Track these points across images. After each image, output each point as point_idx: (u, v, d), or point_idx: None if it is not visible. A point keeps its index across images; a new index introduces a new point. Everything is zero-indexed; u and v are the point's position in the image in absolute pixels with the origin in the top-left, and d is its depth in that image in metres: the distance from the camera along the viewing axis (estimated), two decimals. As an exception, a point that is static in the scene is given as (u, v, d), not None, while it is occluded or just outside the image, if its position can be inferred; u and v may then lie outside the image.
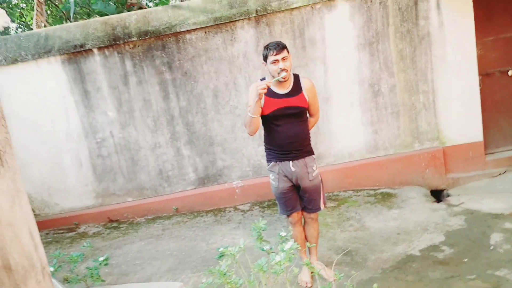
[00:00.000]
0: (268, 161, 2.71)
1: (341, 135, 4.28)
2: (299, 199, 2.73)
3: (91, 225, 4.33)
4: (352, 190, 4.24)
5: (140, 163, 4.39)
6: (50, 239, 4.10)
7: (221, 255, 2.14)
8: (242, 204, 4.31)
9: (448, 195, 4.13)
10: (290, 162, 2.60)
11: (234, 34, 4.14)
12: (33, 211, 4.40)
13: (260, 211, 4.11)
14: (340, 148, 4.31)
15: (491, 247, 2.85)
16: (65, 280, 2.66)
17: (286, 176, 2.63)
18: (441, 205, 3.75)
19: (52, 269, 2.54)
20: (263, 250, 2.05)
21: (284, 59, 2.45)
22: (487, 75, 4.25)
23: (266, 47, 2.49)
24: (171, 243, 3.65)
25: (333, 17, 4.07)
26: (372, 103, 4.21)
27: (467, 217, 3.38)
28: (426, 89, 4.15)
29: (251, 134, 2.59)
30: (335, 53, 4.14)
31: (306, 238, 2.83)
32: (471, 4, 3.97)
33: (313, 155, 2.69)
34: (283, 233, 2.07)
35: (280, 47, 2.45)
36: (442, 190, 4.24)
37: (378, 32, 4.09)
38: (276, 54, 2.44)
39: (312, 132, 4.19)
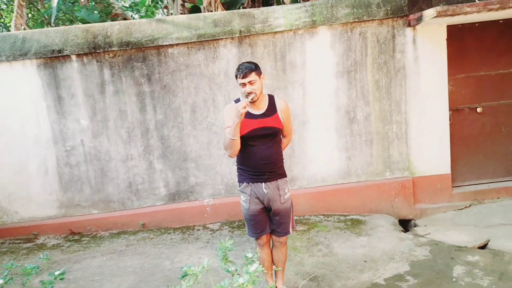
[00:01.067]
0: (240, 181, 2.68)
1: (315, 159, 4.32)
2: (269, 222, 2.70)
3: (51, 236, 4.13)
4: (323, 214, 4.25)
5: (109, 175, 4.26)
6: (5, 249, 3.87)
7: (184, 275, 2.08)
8: (212, 223, 4.24)
9: (415, 225, 4.20)
10: (263, 183, 2.59)
11: (217, 52, 4.17)
12: (-10, 218, 4.18)
13: (229, 231, 4.04)
14: (314, 172, 4.33)
15: (454, 279, 2.89)
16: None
17: (257, 198, 2.61)
18: (408, 235, 3.80)
19: (1, 281, 2.39)
20: (227, 271, 2.00)
21: (251, 83, 2.48)
22: (457, 111, 4.43)
23: (238, 68, 2.51)
24: (134, 260, 3.51)
25: (315, 43, 4.17)
26: (348, 130, 4.29)
27: (432, 248, 3.43)
28: (399, 119, 4.27)
29: (232, 157, 2.57)
30: (315, 78, 4.22)
31: (273, 261, 2.79)
32: (445, 41, 4.17)
33: (285, 178, 2.70)
34: (249, 255, 2.03)
35: (248, 70, 2.47)
36: (410, 220, 4.31)
37: (356, 61, 4.21)
38: (243, 78, 2.47)
39: (287, 154, 4.27)
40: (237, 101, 2.64)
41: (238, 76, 2.49)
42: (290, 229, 2.72)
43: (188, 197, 4.33)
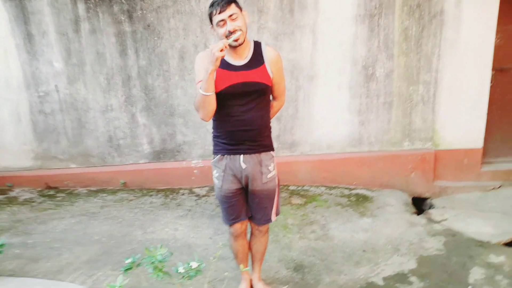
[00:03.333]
0: (214, 153, 2.12)
1: (322, 122, 3.68)
2: (246, 206, 2.17)
3: (26, 189, 3.82)
4: (326, 186, 3.71)
5: (87, 126, 3.80)
6: (-26, 201, 3.60)
7: (128, 268, 1.65)
8: (199, 187, 3.79)
9: (431, 206, 3.61)
10: (241, 156, 2.02)
11: (210, -14, 3.41)
12: (-39, 166, 3.88)
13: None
14: (319, 137, 3.72)
15: (469, 287, 2.37)
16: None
17: (234, 175, 2.06)
18: (421, 219, 3.24)
19: None
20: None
21: (233, 18, 1.82)
22: (501, 71, 3.61)
23: (211, 4, 1.85)
24: (104, 226, 3.15)
25: (331, -22, 3.34)
26: (363, 89, 3.58)
27: (447, 240, 2.88)
28: (428, 79, 3.51)
29: (206, 119, 1.96)
30: (328, 22, 3.45)
31: (250, 251, 2.32)
32: (499, -19, 3.25)
33: (272, 151, 2.11)
34: (194, 264, 1.55)
35: (226, 1, 1.82)
36: (425, 199, 3.72)
37: (382, 2, 3.38)
38: (220, 12, 1.81)
39: (290, 114, 3.64)
40: None
41: (214, 12, 1.82)
42: (273, 216, 2.19)
43: (175, 157, 3.85)
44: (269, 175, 2.08)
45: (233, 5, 1.83)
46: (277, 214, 2.20)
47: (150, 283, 2.29)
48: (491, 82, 3.55)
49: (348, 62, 3.53)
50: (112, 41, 3.59)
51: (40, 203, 3.57)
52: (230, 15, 1.81)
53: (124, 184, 3.85)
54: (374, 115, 3.63)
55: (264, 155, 2.06)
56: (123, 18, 3.54)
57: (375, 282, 2.46)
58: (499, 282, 2.38)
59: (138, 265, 1.60)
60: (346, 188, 3.68)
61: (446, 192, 3.68)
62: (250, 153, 2.02)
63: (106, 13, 3.52)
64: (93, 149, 3.86)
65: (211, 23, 1.88)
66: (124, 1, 3.49)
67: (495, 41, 3.42)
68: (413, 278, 2.48)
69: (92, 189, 3.82)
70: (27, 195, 3.71)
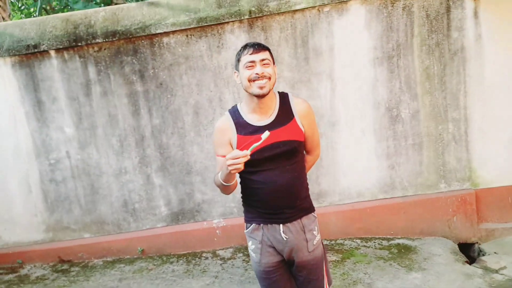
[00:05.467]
0: (247, 221, 1.85)
1: (349, 169, 3.46)
2: (291, 280, 1.87)
3: (38, 265, 3.54)
4: (361, 238, 3.41)
5: (101, 192, 3.59)
6: (-19, 284, 3.31)
7: None
8: (223, 249, 3.50)
9: (480, 251, 3.28)
10: (281, 226, 1.75)
11: (222, 40, 3.37)
12: (-33, 245, 3.63)
13: (243, 260, 3.29)
14: (347, 185, 3.48)
15: None
16: None
17: (273, 247, 1.79)
18: (475, 269, 2.91)
19: None
20: None
21: (264, 63, 1.64)
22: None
23: (243, 46, 1.69)
24: (124, 304, 2.84)
25: (345, 23, 3.28)
26: (389, 131, 3.40)
27: (513, 293, 2.54)
28: (457, 116, 3.33)
29: (227, 194, 1.83)
30: (346, 67, 3.35)
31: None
32: (519, 13, 3.18)
33: (313, 213, 1.84)
34: None
35: (261, 46, 1.67)
36: (472, 244, 3.39)
37: (399, 44, 3.29)
38: (253, 53, 1.63)
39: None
40: (233, 111, 1.79)
41: (244, 53, 1.65)
42: (326, 287, 1.89)
43: (194, 217, 3.60)
44: (315, 241, 1.80)
45: (267, 52, 1.68)
46: (329, 284, 1.91)
47: None
48: (524, 114, 3.37)
49: (370, 105, 3.38)
50: (124, 102, 3.49)
51: (53, 280, 3.27)
52: (262, 59, 1.64)
53: (142, 251, 3.57)
54: (404, 157, 3.42)
55: (305, 220, 1.79)
56: (134, 78, 3.46)
57: None
58: None
59: None
60: (383, 239, 3.38)
61: (493, 235, 3.36)
62: (290, 221, 1.76)
63: (118, 74, 3.45)
64: (107, 215, 3.62)
65: (237, 67, 1.71)
66: (135, 61, 3.43)
67: (522, 73, 3.29)
68: None
69: (108, 259, 3.53)
70: (39, 272, 3.42)
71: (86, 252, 3.60)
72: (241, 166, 1.52)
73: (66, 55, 3.45)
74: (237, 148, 1.69)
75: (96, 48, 3.42)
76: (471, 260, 3.16)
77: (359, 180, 3.47)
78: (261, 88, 1.63)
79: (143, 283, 3.09)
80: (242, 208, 1.90)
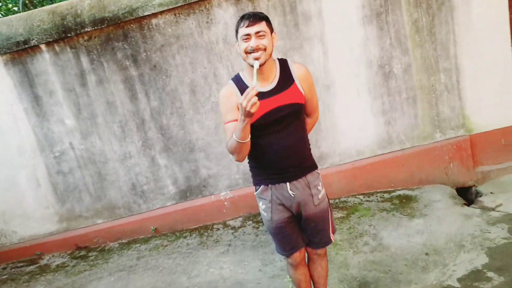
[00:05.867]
0: (256, 184, 1.96)
1: (347, 129, 3.55)
2: (301, 232, 2.01)
3: (56, 254, 3.66)
4: (363, 194, 3.54)
5: (108, 178, 3.68)
6: (5, 276, 3.44)
7: None
8: (232, 219, 3.63)
9: (478, 193, 3.43)
10: (287, 184, 1.86)
11: (210, 15, 3.39)
12: (-14, 242, 3.74)
13: (253, 227, 3.42)
14: (346, 145, 3.59)
15: (556, 272, 2.16)
16: None
17: (282, 204, 1.90)
18: (474, 209, 3.05)
19: None
20: None
21: (260, 36, 1.68)
22: (520, 45, 3.50)
23: (241, 17, 1.73)
24: (146, 278, 2.97)
25: (329, -15, 3.31)
26: (383, 88, 3.48)
27: (511, 226, 2.68)
28: (448, 66, 3.41)
29: (241, 161, 1.83)
30: (336, 29, 3.39)
31: (312, 278, 2.13)
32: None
33: (316, 170, 1.96)
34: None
35: (257, 17, 1.69)
36: (470, 187, 3.54)
37: None
38: (248, 26, 1.68)
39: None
40: (236, 79, 1.85)
41: (241, 25, 1.70)
42: (331, 236, 2.02)
43: (202, 192, 3.71)
44: (320, 195, 1.93)
45: (263, 23, 1.70)
46: (334, 232, 2.04)
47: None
48: None
49: (362, 64, 3.44)
50: (120, 87, 3.54)
51: (73, 266, 3.40)
52: (257, 32, 1.68)
53: (155, 230, 3.69)
54: (399, 112, 3.51)
55: (310, 176, 1.90)
56: (128, 63, 3.49)
57: (451, 285, 2.25)
58: None
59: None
60: (385, 192, 3.51)
61: (490, 177, 3.50)
62: (296, 179, 1.87)
63: (111, 61, 3.48)
64: (118, 200, 3.73)
65: (236, 37, 1.77)
66: (126, 46, 3.46)
67: (510, 17, 3.34)
68: (490, 274, 2.28)
69: (123, 241, 3.66)
70: (59, 260, 3.55)
71: (101, 237, 3.72)
72: (257, 100, 1.56)
73: (57, 47, 3.47)
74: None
75: (86, 37, 3.44)
76: (469, 202, 3.30)
77: (358, 139, 3.57)
78: (256, 59, 1.68)
79: (161, 259, 3.23)
80: (248, 179, 1.99)
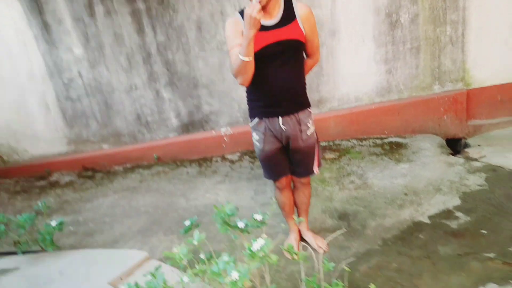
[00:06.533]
0: (251, 116, 2.11)
1: (348, 76, 3.63)
2: (289, 162, 2.19)
3: (65, 173, 3.95)
4: (357, 138, 3.70)
5: (114, 107, 3.86)
6: (18, 189, 3.76)
7: (188, 229, 1.71)
8: (230, 154, 3.84)
9: (466, 145, 3.57)
10: (280, 118, 2.02)
11: None
12: (1, 157, 4.03)
13: (250, 162, 3.64)
14: (346, 91, 3.68)
15: (518, 215, 2.36)
16: (16, 244, 2.31)
17: (274, 136, 2.07)
18: (458, 159, 3.21)
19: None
20: (235, 237, 1.61)
21: None
22: (532, 0, 3.43)
23: None
24: (147, 198, 3.26)
25: None
26: (388, 37, 3.49)
27: (488, 175, 2.85)
28: (456, 18, 3.39)
29: (246, 84, 1.94)
30: (344, -28, 3.34)
31: (295, 204, 2.36)
32: None
33: (308, 108, 2.09)
34: (258, 216, 1.59)
35: None
36: (460, 139, 3.67)
37: None
38: None
39: (314, 72, 3.60)
40: (242, 12, 1.92)
41: None
42: (315, 169, 2.20)
43: (203, 127, 3.89)
44: (309, 132, 2.08)
45: None
46: (319, 166, 2.22)
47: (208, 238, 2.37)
48: (520, 13, 3.40)
49: (370, 11, 3.43)
50: (128, 20, 3.59)
51: (81, 184, 3.70)
52: None
53: (158, 158, 3.94)
54: (401, 62, 3.55)
55: (301, 114, 2.04)
56: (136, -5, 3.51)
57: (421, 220, 2.48)
58: (549, 208, 2.37)
59: (197, 226, 1.66)
60: (378, 138, 3.66)
61: (480, 131, 3.62)
62: (288, 114, 2.01)
63: (119, -9, 3.50)
64: (123, 128, 3.94)
65: None
66: (135, -23, 3.45)
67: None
68: (459, 214, 2.49)
69: (127, 166, 3.93)
70: (67, 178, 3.85)
71: (107, 161, 3.99)
72: (260, 7, 1.69)
73: (65, -27, 3.48)
74: None
75: (94, -36, 3.43)
76: (456, 153, 3.45)
77: (358, 86, 3.66)
78: (259, 2, 1.74)
79: (162, 183, 3.50)
80: (248, 117, 2.13)
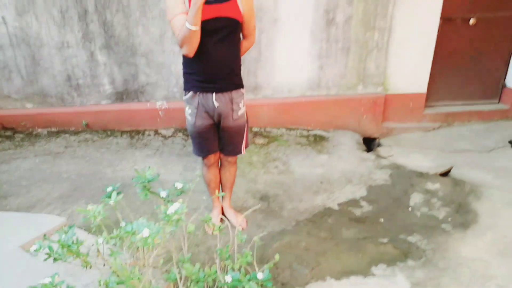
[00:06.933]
0: (186, 89, 2.18)
1: (284, 66, 3.81)
2: (218, 139, 2.32)
3: (-21, 130, 3.64)
4: (286, 128, 3.94)
5: (42, 64, 3.62)
6: None
7: (109, 195, 1.75)
8: (164, 129, 3.85)
9: (379, 145, 4.01)
10: (214, 94, 2.12)
11: None
12: None
13: (183, 139, 3.70)
14: (281, 81, 3.87)
15: (409, 208, 2.79)
16: None
17: (206, 112, 2.17)
18: (370, 155, 3.62)
19: None
20: (157, 208, 1.69)
21: None
22: (448, 21, 3.91)
23: None
24: (72, 165, 3.17)
25: None
26: (324, 34, 3.73)
27: (392, 172, 3.28)
28: (383, 25, 3.73)
29: (191, 55, 1.98)
30: (293, -35, 3.47)
31: (221, 181, 2.51)
32: None
33: (242, 89, 2.22)
34: (178, 184, 1.70)
35: None
36: (374, 138, 4.11)
37: None
38: None
39: (253, 57, 3.73)
40: None
41: None
42: (243, 149, 2.36)
43: (138, 98, 3.83)
44: (240, 112, 2.22)
45: None
46: (246, 146, 2.38)
47: (131, 209, 2.42)
48: (438, 31, 3.84)
49: (310, 6, 3.61)
50: (65, -30, 3.34)
51: (-3, 143, 3.45)
52: None
53: (87, 125, 3.80)
54: (332, 60, 3.83)
55: (235, 93, 2.17)
56: None
57: (331, 207, 2.80)
58: (434, 204, 2.82)
59: (119, 193, 1.71)
60: (304, 130, 3.94)
61: (393, 133, 4.08)
62: (222, 92, 2.12)
63: None
64: (50, 88, 3.71)
65: None
66: None
67: (444, -8, 3.67)
68: (363, 203, 2.85)
69: (52, 130, 3.73)
70: (-19, 136, 3.55)
71: (30, 122, 3.74)
72: None
73: None
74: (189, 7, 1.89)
75: None
76: (370, 150, 3.88)
77: (292, 77, 3.87)
78: None
79: (89, 151, 3.41)
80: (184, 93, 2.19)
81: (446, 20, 3.87)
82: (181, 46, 1.97)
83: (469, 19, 3.94)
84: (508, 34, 4.07)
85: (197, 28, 1.87)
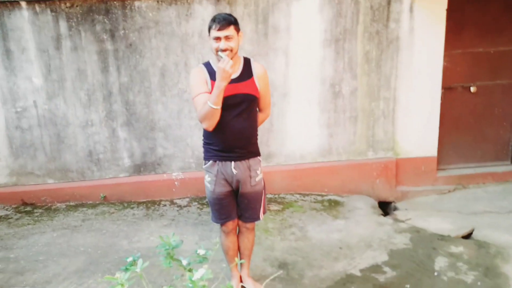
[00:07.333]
0: (206, 159, 2.31)
1: (295, 135, 3.98)
2: (236, 206, 2.36)
3: (0, 206, 3.73)
4: (300, 193, 3.97)
5: (66, 141, 3.83)
6: None
7: (129, 265, 1.75)
8: (180, 199, 3.91)
9: (395, 208, 3.98)
10: (232, 163, 2.22)
11: (190, 9, 3.68)
12: None
13: (198, 207, 3.73)
14: (292, 149, 4.00)
15: (436, 273, 2.68)
16: None
17: (225, 179, 2.25)
18: (387, 219, 3.57)
19: None
20: (176, 278, 1.68)
21: (228, 38, 2.05)
22: (449, 89, 4.12)
23: (213, 19, 2.09)
24: (88, 238, 3.18)
25: (302, 6, 3.73)
26: (331, 105, 3.94)
27: (413, 236, 3.20)
28: (388, 96, 3.94)
29: (211, 129, 2.13)
30: (299, 45, 3.81)
31: (239, 249, 2.49)
32: (445, 12, 3.79)
33: (259, 157, 2.33)
34: (201, 251, 1.70)
35: (226, 22, 2.05)
36: (390, 203, 4.08)
37: (346, 29, 3.80)
38: (219, 30, 2.04)
39: (265, 128, 3.91)
40: (207, 64, 2.22)
41: (213, 27, 2.05)
42: (261, 215, 2.39)
43: (155, 170, 3.96)
44: (257, 178, 2.30)
45: (232, 27, 2.06)
46: (264, 212, 2.41)
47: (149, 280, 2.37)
48: (441, 99, 4.04)
49: (317, 80, 3.88)
50: (93, 58, 3.72)
51: (17, 219, 3.51)
52: (226, 36, 2.04)
53: (104, 197, 3.88)
54: (341, 128, 3.99)
55: (252, 161, 2.27)
56: (105, 37, 3.69)
57: (353, 273, 2.70)
58: (460, 268, 2.71)
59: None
60: (318, 195, 3.96)
61: (407, 196, 4.07)
62: (240, 160, 2.23)
63: (89, 32, 3.66)
64: (72, 164, 3.88)
65: (209, 33, 2.11)
66: (106, 21, 3.65)
67: (443, 64, 3.94)
68: (386, 268, 2.75)
69: (71, 204, 3.81)
70: (2, 212, 3.64)
71: (50, 197, 3.85)
72: (232, 62, 1.99)
73: (37, 7, 3.59)
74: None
75: (68, 4, 3.59)
76: (386, 214, 3.83)
77: (303, 145, 4.00)
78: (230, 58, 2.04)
79: (105, 223, 3.44)
80: (201, 164, 2.33)
81: (447, 89, 4.09)
82: (201, 122, 2.14)
83: (470, 87, 4.15)
84: (511, 99, 4.25)
85: (218, 107, 2.05)
